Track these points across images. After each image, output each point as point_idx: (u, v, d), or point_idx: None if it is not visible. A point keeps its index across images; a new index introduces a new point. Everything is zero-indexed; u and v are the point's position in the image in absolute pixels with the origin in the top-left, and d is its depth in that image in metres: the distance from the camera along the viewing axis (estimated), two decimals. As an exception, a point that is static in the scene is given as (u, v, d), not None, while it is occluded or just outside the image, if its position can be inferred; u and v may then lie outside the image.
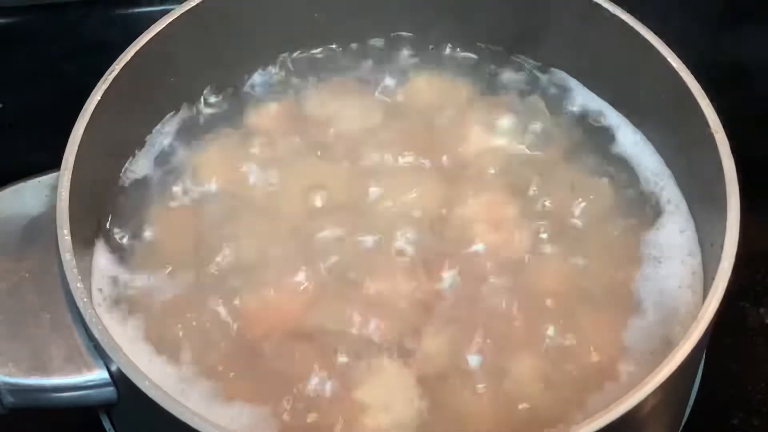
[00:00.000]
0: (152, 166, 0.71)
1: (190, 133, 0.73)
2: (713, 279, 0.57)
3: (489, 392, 0.61)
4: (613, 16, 0.68)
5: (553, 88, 0.75)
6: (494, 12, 0.73)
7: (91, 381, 0.58)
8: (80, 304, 0.57)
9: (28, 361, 0.58)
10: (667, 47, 0.66)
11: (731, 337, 0.73)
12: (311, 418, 0.60)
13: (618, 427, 0.52)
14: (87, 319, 0.56)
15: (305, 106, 0.74)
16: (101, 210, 0.68)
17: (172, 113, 0.73)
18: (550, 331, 0.63)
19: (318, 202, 0.68)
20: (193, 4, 0.69)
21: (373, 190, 0.69)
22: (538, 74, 0.75)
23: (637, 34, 0.67)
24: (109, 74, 0.65)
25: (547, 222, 0.67)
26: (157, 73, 0.69)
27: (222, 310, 0.64)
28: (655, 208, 0.68)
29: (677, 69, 0.65)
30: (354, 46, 0.77)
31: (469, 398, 0.61)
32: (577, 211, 0.68)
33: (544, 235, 0.67)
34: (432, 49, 0.77)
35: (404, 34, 0.77)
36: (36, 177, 0.65)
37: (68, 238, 0.59)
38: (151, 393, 0.53)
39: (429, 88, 0.75)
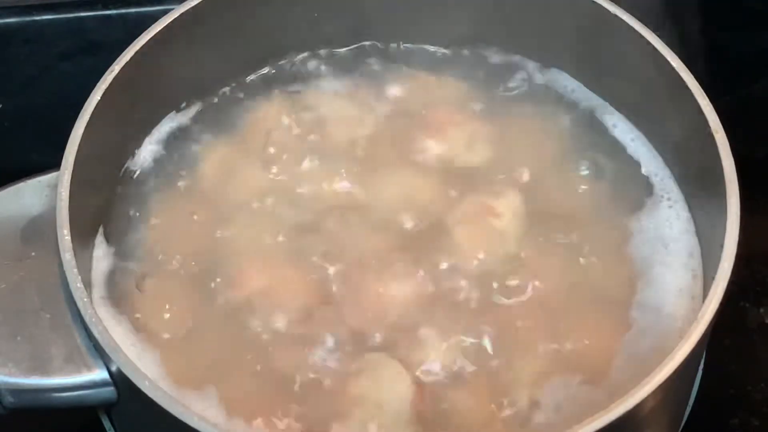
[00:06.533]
0: (152, 166, 0.71)
1: (189, 133, 0.73)
2: (713, 279, 0.57)
3: (486, 392, 0.61)
4: (613, 16, 0.68)
5: (552, 88, 0.75)
6: (493, 12, 0.74)
7: (91, 381, 0.58)
8: (80, 304, 0.57)
9: (28, 361, 0.58)
10: (667, 47, 0.66)
11: (731, 337, 0.73)
12: (305, 412, 0.60)
13: (618, 427, 0.52)
14: (87, 319, 0.57)
15: (306, 106, 0.74)
16: (101, 210, 0.68)
17: (171, 113, 0.73)
18: (548, 331, 0.63)
19: (318, 203, 0.68)
20: (193, 4, 0.69)
21: (373, 191, 0.69)
22: (538, 74, 0.75)
23: (637, 34, 0.67)
24: (109, 74, 0.65)
25: (545, 223, 0.67)
26: (157, 73, 0.69)
27: (223, 309, 0.64)
28: (654, 208, 0.68)
29: (677, 69, 0.65)
30: (355, 46, 0.77)
31: (465, 397, 0.61)
32: (575, 213, 0.68)
33: (542, 236, 0.67)
34: (428, 49, 0.77)
35: (402, 35, 0.77)
36: (36, 177, 0.65)
37: (68, 238, 0.59)
38: (151, 393, 0.53)
39: (426, 89, 0.74)
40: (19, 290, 0.61)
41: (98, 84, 0.65)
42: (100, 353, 0.57)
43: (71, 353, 0.58)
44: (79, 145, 0.62)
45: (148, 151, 0.72)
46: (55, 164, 0.62)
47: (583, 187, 0.69)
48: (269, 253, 0.66)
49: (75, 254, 0.59)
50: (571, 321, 0.63)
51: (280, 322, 0.63)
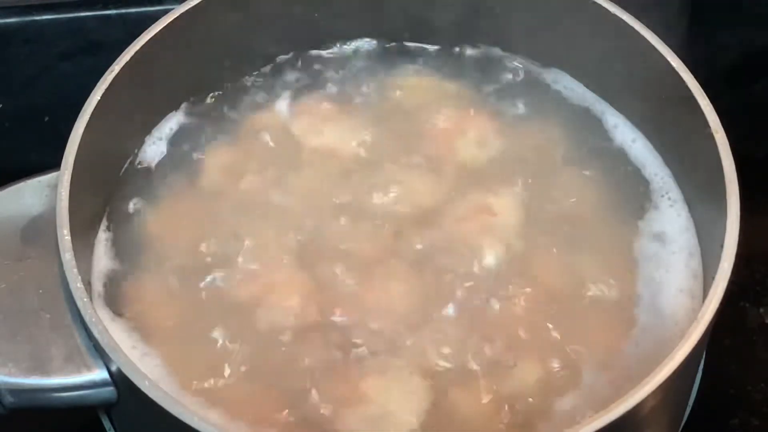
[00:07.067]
0: (152, 166, 0.71)
1: (189, 133, 0.73)
2: (713, 279, 0.57)
3: (488, 391, 0.61)
4: (614, 16, 0.68)
5: (552, 87, 0.75)
6: (492, 12, 0.74)
7: (91, 381, 0.58)
8: (80, 304, 0.57)
9: (28, 361, 0.58)
10: (667, 47, 0.66)
11: (731, 337, 0.73)
12: (312, 412, 0.60)
13: (618, 427, 0.52)
14: (87, 319, 0.57)
15: (307, 105, 0.74)
16: (101, 209, 0.68)
17: (171, 113, 0.73)
18: (549, 332, 0.63)
19: (319, 203, 0.68)
20: (193, 4, 0.69)
21: (373, 193, 0.69)
22: (538, 74, 0.75)
23: (638, 34, 0.67)
24: (109, 74, 0.65)
25: (545, 223, 0.67)
26: (156, 73, 0.69)
27: (225, 309, 0.64)
28: (654, 208, 0.68)
29: (677, 69, 0.65)
30: (355, 46, 0.77)
31: (469, 398, 0.61)
32: (575, 212, 0.68)
33: (542, 237, 0.67)
34: (428, 49, 0.77)
35: (402, 35, 0.77)
36: (36, 177, 0.65)
37: (68, 238, 0.59)
38: (151, 393, 0.53)
39: (424, 89, 0.74)
40: (19, 290, 0.61)
41: (98, 84, 0.65)
42: (100, 353, 0.57)
43: (71, 353, 0.58)
44: (79, 145, 0.62)
45: (148, 151, 0.71)
46: (55, 164, 0.62)
47: (583, 186, 0.69)
48: (271, 253, 0.66)
49: (75, 254, 0.59)
50: (572, 321, 0.63)
51: (282, 323, 0.63)
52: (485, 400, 0.60)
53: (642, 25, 0.67)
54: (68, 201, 0.60)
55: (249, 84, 0.75)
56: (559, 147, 0.71)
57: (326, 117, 0.73)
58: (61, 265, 0.59)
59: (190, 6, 0.69)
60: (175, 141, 0.72)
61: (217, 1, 0.70)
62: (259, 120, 0.73)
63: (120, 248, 0.67)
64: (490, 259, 0.66)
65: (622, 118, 0.73)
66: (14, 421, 0.60)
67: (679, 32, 0.68)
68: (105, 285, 0.65)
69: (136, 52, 0.67)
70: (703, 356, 0.68)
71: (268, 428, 0.59)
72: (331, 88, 0.75)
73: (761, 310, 0.77)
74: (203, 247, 0.67)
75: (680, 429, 0.68)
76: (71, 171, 0.61)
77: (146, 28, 0.68)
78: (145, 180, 0.70)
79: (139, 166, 0.71)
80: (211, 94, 0.74)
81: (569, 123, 0.73)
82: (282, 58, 0.76)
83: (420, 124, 0.72)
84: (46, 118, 0.83)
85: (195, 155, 0.71)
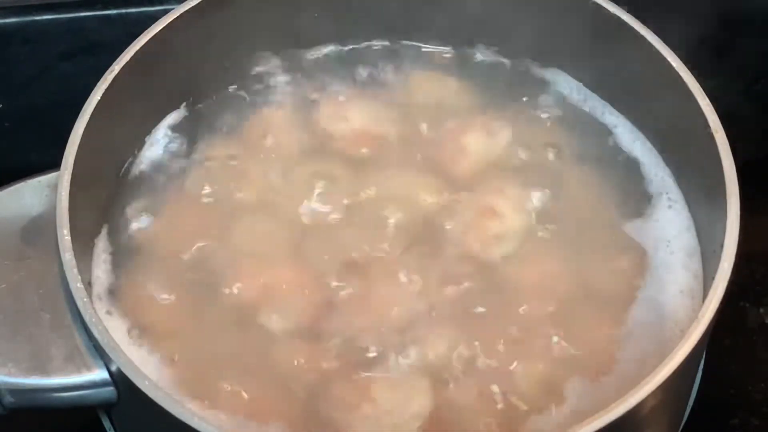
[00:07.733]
0: (152, 166, 0.71)
1: (190, 133, 0.73)
2: (713, 279, 0.57)
3: (490, 392, 0.61)
4: (614, 16, 0.68)
5: (553, 88, 0.75)
6: (494, 13, 0.74)
7: (91, 381, 0.58)
8: (80, 304, 0.57)
9: (28, 361, 0.58)
10: (667, 47, 0.66)
11: (731, 337, 0.74)
12: (313, 412, 0.60)
13: (618, 427, 0.52)
14: (87, 319, 0.57)
15: (309, 106, 0.74)
16: (101, 210, 0.68)
17: (172, 113, 0.73)
18: (549, 332, 0.63)
19: (320, 204, 0.68)
20: (193, 3, 0.69)
21: (374, 193, 0.69)
22: (538, 74, 0.75)
23: (638, 34, 0.67)
24: (109, 74, 0.65)
25: (545, 223, 0.67)
26: (157, 73, 0.69)
27: (225, 310, 0.64)
28: (654, 208, 0.68)
29: (677, 69, 0.65)
30: (355, 46, 0.77)
31: (470, 398, 0.61)
32: (575, 212, 0.68)
33: (542, 237, 0.67)
34: (429, 50, 0.77)
35: (403, 35, 0.77)
36: (36, 177, 0.65)
37: (68, 238, 0.59)
38: (151, 393, 0.53)
39: (426, 88, 0.74)
40: (19, 290, 0.61)
41: (98, 84, 0.65)
42: (100, 353, 0.57)
43: (71, 353, 0.58)
44: (79, 145, 0.62)
45: (148, 151, 0.71)
46: (55, 164, 0.62)
47: (583, 187, 0.69)
48: (271, 254, 0.66)
49: (75, 254, 0.59)
50: (572, 321, 0.63)
51: (282, 324, 0.63)
52: (486, 400, 0.60)
53: (642, 25, 0.67)
54: (68, 201, 0.60)
55: (249, 84, 0.75)
56: (559, 147, 0.71)
57: (328, 116, 0.73)
58: (61, 265, 0.59)
59: (190, 6, 0.69)
60: (175, 141, 0.72)
61: (217, 1, 0.70)
62: (259, 120, 0.73)
63: (120, 248, 0.67)
64: (491, 259, 0.66)
65: (622, 118, 0.73)
66: (14, 421, 0.60)
67: (679, 32, 0.68)
68: (105, 285, 0.65)
69: (136, 52, 0.67)
70: (703, 356, 0.68)
71: (268, 428, 0.60)
72: (333, 89, 0.75)
73: (761, 310, 0.77)
74: (203, 247, 0.67)
75: (680, 429, 0.68)
76: (71, 171, 0.61)
77: (146, 28, 0.68)
78: (145, 180, 0.70)
79: (139, 166, 0.71)
80: (212, 94, 0.74)
81: (569, 123, 0.73)
82: (283, 58, 0.76)
83: (422, 125, 0.72)
84: (46, 118, 0.83)
85: (195, 155, 0.72)
